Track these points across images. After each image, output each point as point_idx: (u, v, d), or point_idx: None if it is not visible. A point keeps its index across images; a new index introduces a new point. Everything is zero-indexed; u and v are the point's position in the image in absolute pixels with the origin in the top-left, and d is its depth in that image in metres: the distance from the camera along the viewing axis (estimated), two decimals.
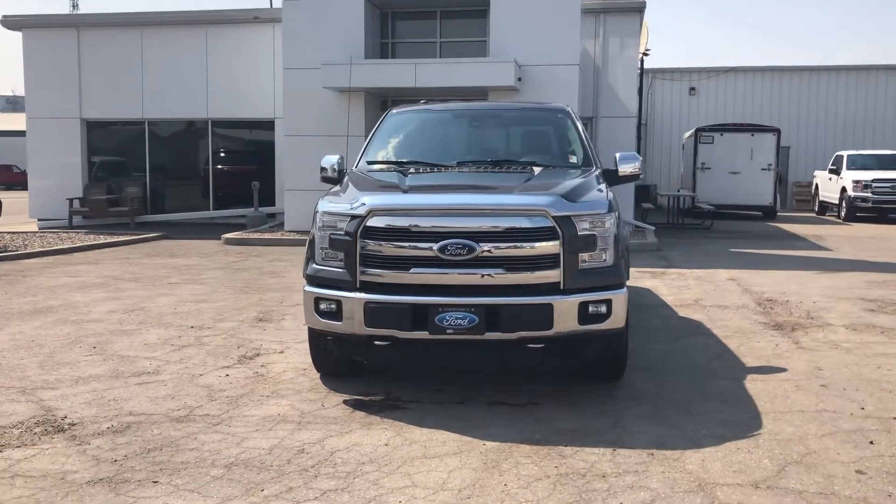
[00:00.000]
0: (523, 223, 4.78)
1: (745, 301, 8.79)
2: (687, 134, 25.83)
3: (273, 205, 18.93)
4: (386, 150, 6.55)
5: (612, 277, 4.94)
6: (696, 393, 5.29)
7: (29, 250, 13.64)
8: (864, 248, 14.52)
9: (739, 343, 6.74)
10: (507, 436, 4.45)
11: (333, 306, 4.97)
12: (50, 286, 9.92)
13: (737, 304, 8.63)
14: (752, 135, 23.15)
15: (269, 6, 22.33)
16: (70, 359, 6.19)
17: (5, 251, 13.36)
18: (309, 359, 5.97)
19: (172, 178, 20.33)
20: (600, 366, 5.40)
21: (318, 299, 5.04)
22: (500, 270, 4.75)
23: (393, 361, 5.75)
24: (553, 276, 4.77)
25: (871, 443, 4.33)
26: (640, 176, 6.35)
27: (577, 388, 5.35)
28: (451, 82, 14.81)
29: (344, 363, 5.59)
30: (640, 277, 10.39)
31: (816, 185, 25.18)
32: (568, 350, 5.04)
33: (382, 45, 16.91)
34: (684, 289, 9.70)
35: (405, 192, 5.19)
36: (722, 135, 23.19)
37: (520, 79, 14.90)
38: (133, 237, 15.98)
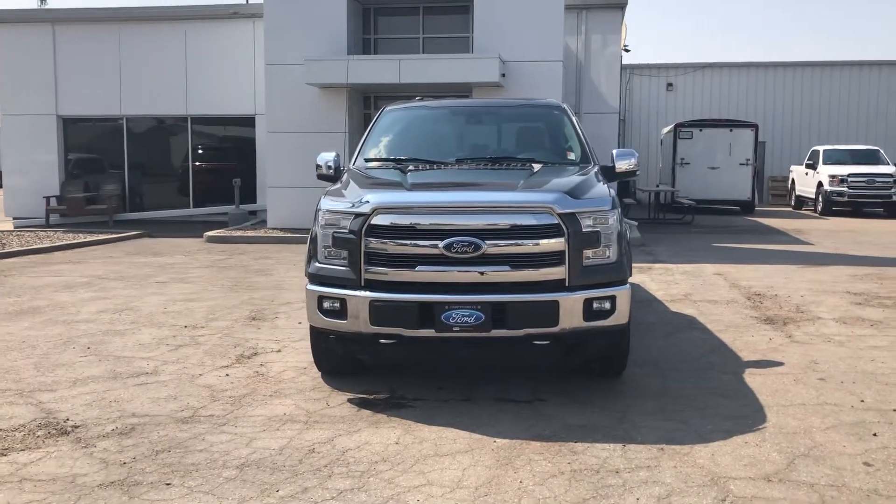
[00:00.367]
0: (529, 220, 4.79)
1: (733, 296, 8.88)
2: (665, 129, 26.02)
3: (254, 202, 18.78)
4: (383, 147, 6.51)
5: (616, 274, 4.97)
6: (698, 387, 5.34)
7: (7, 249, 13.43)
8: (843, 242, 14.72)
9: (734, 337, 6.81)
10: (517, 433, 4.46)
11: (337, 305, 4.94)
12: (34, 286, 9.77)
13: (726, 298, 8.72)
14: (731, 130, 23.38)
15: (247, 2, 22.13)
16: (65, 360, 6.10)
17: None
18: (308, 357, 5.96)
19: (151, 176, 20.09)
20: (603, 362, 5.43)
21: (321, 297, 5.01)
22: (506, 268, 4.76)
23: (394, 359, 5.73)
24: (558, 272, 4.78)
25: (875, 435, 4.40)
26: (637, 172, 6.38)
27: (580, 385, 5.38)
28: (436, 78, 14.79)
29: (345, 362, 5.57)
30: None
31: (793, 179, 25.49)
32: (572, 346, 5.06)
33: (365, 40, 16.84)
34: (672, 284, 9.77)
35: (409, 189, 5.17)
36: (701, 130, 23.40)
37: (504, 75, 14.91)
38: (113, 235, 15.78)
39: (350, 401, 5.06)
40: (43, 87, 19.15)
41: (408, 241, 4.79)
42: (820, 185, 22.19)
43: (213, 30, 18.69)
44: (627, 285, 5.01)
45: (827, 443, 4.28)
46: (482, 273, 4.74)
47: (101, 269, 11.40)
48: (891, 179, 21.36)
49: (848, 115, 29.69)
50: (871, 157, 22.85)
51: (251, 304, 8.53)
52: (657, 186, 23.68)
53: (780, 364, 5.92)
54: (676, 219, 20.01)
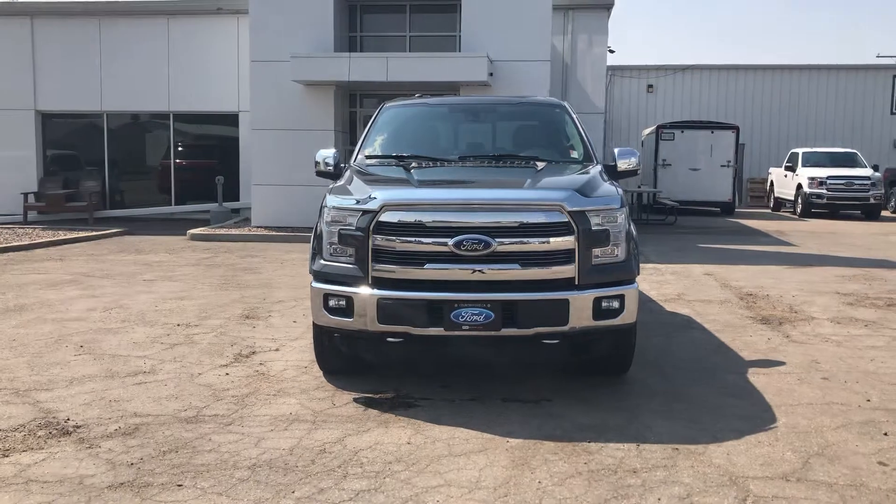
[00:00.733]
0: (539, 218, 4.74)
1: (726, 296, 8.91)
2: (647, 131, 26.16)
3: (237, 200, 18.63)
4: (385, 143, 6.44)
5: (625, 272, 4.95)
6: (704, 387, 5.33)
7: None
8: (825, 244, 14.86)
9: (732, 337, 6.82)
10: (528, 432, 4.42)
11: (344, 303, 4.86)
12: (18, 284, 9.57)
13: (719, 298, 8.75)
14: (712, 132, 23.55)
15: None
16: (59, 359, 5.97)
17: None
18: (308, 356, 5.90)
19: (132, 173, 19.87)
20: (608, 361, 5.41)
21: (327, 295, 4.93)
22: (516, 266, 4.71)
23: (397, 358, 5.67)
24: (568, 271, 4.74)
25: (886, 434, 4.41)
26: (638, 172, 6.38)
27: (584, 384, 5.35)
28: (423, 76, 14.73)
29: (348, 360, 5.50)
30: None
31: (771, 181, 25.72)
32: (580, 345, 5.03)
33: (351, 38, 16.73)
34: (664, 283, 9.79)
35: (417, 186, 5.11)
36: (683, 132, 23.55)
37: (491, 74, 14.89)
38: (94, 233, 15.54)
39: (356, 400, 4.99)
40: (21, 82, 18.85)
41: (417, 239, 4.72)
42: (799, 187, 22.41)
43: (196, 25, 18.50)
44: (636, 284, 5.00)
45: (839, 442, 4.28)
46: (492, 271, 4.69)
47: (85, 266, 11.21)
48: (868, 182, 21.64)
49: (825, 119, 30.06)
50: (849, 160, 23.13)
51: (243, 302, 8.42)
52: (639, 187, 23.77)
53: (781, 364, 5.93)
54: (659, 219, 20.11)
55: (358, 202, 4.89)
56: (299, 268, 11.16)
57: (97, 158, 19.38)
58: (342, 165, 6.15)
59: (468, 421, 4.60)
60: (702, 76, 30.42)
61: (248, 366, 5.82)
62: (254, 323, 7.34)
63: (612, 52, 22.29)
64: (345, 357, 5.42)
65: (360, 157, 6.29)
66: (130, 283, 9.62)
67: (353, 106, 16.97)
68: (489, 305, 4.65)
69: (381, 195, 4.86)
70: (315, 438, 4.31)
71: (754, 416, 4.72)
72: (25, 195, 18.19)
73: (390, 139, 6.50)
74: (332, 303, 4.91)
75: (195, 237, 15.07)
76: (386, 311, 4.73)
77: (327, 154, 6.20)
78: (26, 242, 13.82)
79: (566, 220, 4.72)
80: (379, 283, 4.79)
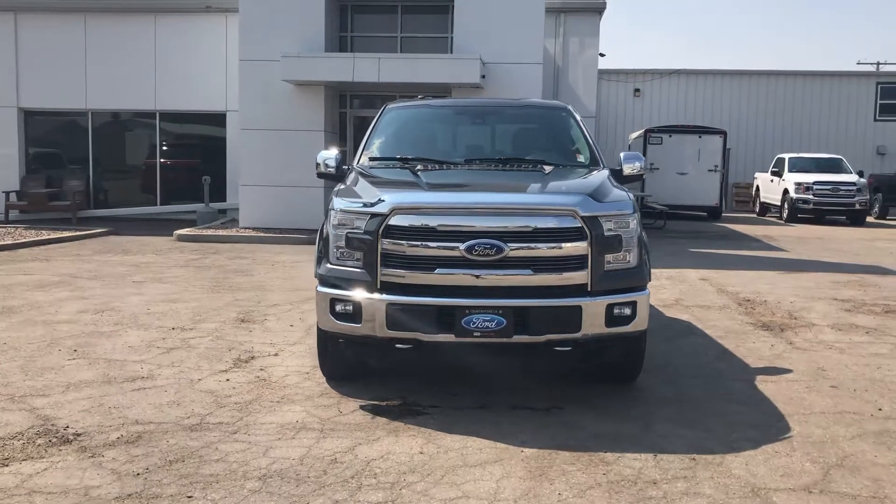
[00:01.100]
0: (552, 223, 4.67)
1: (724, 301, 8.88)
2: (634, 134, 26.19)
3: (224, 200, 18.43)
4: (388, 145, 6.33)
5: (637, 279, 4.88)
6: (713, 395, 5.27)
7: None
8: (815, 249, 14.92)
9: (735, 344, 6.77)
10: (542, 442, 4.33)
11: (351, 308, 4.75)
12: (4, 285, 9.37)
13: (717, 304, 8.72)
14: (700, 136, 23.61)
15: None
16: (52, 363, 5.81)
17: None
18: (310, 362, 5.79)
19: (117, 172, 19.60)
20: (619, 368, 5.34)
21: (333, 300, 4.81)
22: (528, 271, 4.63)
23: (402, 364, 5.57)
24: (580, 277, 4.67)
25: None
26: (643, 176, 6.32)
27: (593, 391, 5.27)
28: (416, 78, 14.63)
29: (352, 366, 5.40)
30: None
31: (757, 186, 25.85)
32: (591, 352, 4.96)
33: (342, 38, 16.60)
34: (661, 289, 9.75)
35: (427, 189, 5.01)
36: (670, 136, 23.58)
37: (483, 76, 14.81)
38: (79, 233, 15.29)
39: (363, 408, 4.87)
40: (3, 78, 18.53)
41: (427, 243, 4.63)
42: (786, 192, 22.53)
43: (184, 23, 18.28)
44: (647, 291, 4.93)
45: (857, 453, 4.23)
46: (504, 277, 4.61)
47: (72, 267, 11.00)
48: (854, 188, 21.78)
49: (810, 124, 30.26)
50: (834, 166, 23.27)
51: (237, 305, 8.27)
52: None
53: (788, 371, 5.89)
54: (648, 223, 20.11)
55: (366, 205, 4.79)
56: (290, 270, 11.03)
57: (81, 157, 19.11)
58: (344, 167, 6.04)
59: (479, 429, 4.50)
60: (688, 81, 30.52)
61: (249, 371, 5.69)
62: (250, 327, 7.21)
63: (602, 55, 22.26)
64: (348, 363, 5.31)
65: (363, 158, 6.18)
66: (120, 285, 9.44)
67: (343, 107, 16.84)
68: (501, 312, 4.56)
69: (391, 198, 4.76)
70: (324, 447, 4.20)
71: (768, 424, 4.66)
72: (7, 194, 17.89)
73: (394, 141, 6.40)
74: (338, 308, 4.80)
75: (182, 238, 14.87)
76: (395, 316, 4.63)
77: (329, 155, 6.08)
78: (9, 242, 13.55)
79: (579, 225, 4.64)
80: (388, 287, 4.68)
